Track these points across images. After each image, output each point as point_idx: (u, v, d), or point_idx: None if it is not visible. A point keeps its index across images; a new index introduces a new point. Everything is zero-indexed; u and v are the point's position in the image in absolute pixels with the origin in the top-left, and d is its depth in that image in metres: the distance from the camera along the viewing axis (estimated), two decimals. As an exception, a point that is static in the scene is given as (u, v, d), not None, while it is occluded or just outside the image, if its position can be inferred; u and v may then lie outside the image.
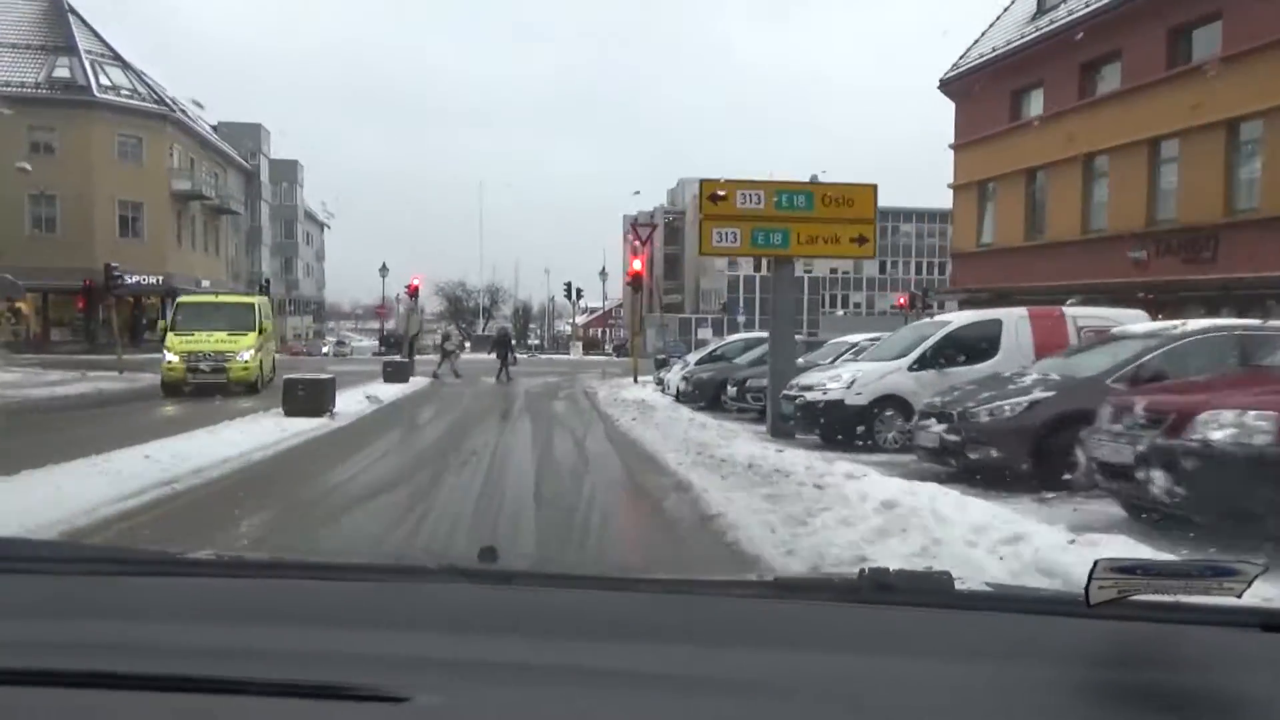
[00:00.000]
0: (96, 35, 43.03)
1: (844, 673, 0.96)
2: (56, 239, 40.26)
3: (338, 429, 13.13)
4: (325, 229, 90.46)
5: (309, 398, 13.73)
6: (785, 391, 11.84)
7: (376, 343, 60.45)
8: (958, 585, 1.27)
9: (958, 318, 11.93)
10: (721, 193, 12.56)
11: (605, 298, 66.67)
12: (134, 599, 1.18)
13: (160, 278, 42.89)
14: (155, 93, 43.57)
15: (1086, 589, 0.99)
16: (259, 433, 11.34)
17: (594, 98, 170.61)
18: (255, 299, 22.42)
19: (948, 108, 31.42)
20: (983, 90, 29.00)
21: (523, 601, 1.20)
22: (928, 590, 1.25)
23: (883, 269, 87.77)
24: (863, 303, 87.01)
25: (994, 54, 28.48)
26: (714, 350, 21.07)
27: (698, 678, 0.94)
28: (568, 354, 52.97)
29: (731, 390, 16.45)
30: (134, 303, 43.11)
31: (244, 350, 19.56)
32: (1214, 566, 1.01)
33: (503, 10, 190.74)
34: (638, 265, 26.40)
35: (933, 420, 8.59)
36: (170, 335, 19.82)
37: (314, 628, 1.05)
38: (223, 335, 19.49)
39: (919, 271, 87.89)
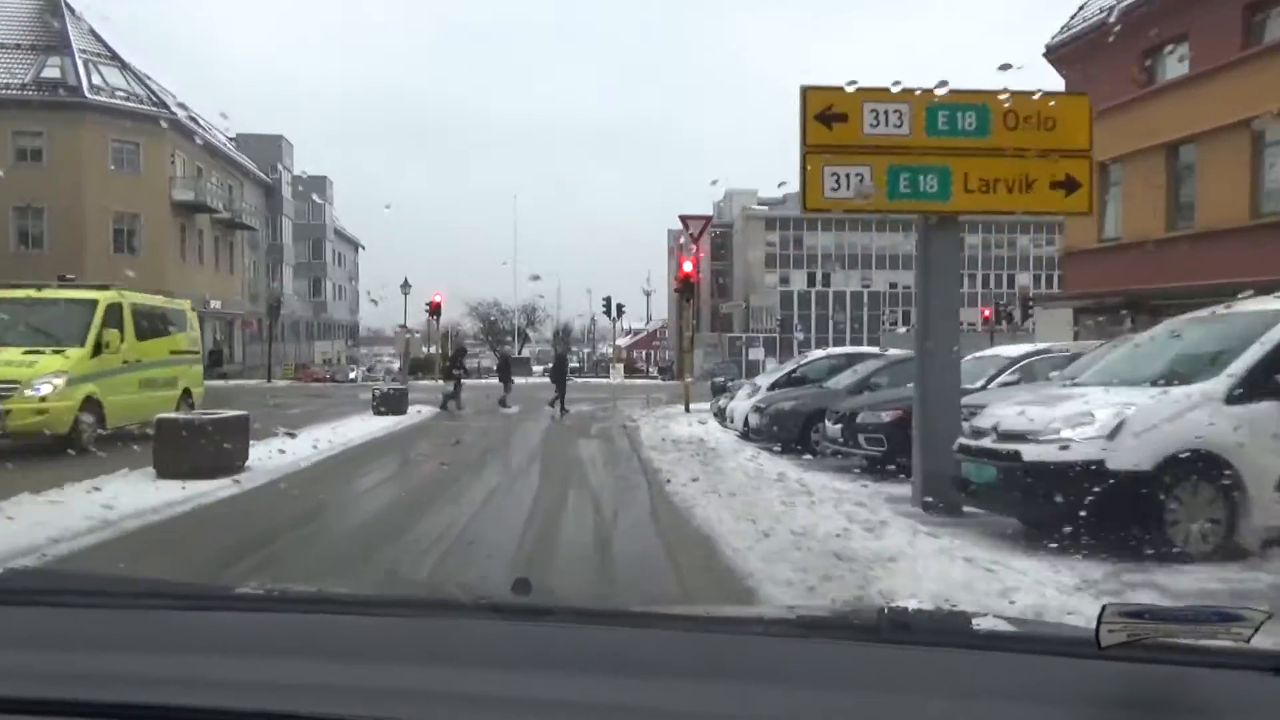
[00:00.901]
0: (94, 34, 39.49)
1: (864, 713, 0.97)
2: (44, 255, 36.45)
3: (218, 503, 8.25)
4: (360, 250, 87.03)
5: (199, 448, 8.98)
6: (964, 440, 6.76)
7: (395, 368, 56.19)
8: (975, 624, 1.29)
9: None
10: (839, 110, 7.58)
11: (649, 318, 61.75)
12: (175, 633, 1.19)
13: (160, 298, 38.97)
14: (155, 95, 39.86)
15: (1096, 632, 1.00)
16: (53, 519, 6.56)
17: (633, 117, 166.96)
18: (103, 295, 13.69)
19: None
20: (1103, 53, 23.68)
21: (555, 637, 1.22)
22: (946, 630, 1.29)
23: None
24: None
25: (1122, 4, 23.18)
26: (792, 371, 16.03)
27: (719, 715, 0.96)
28: (607, 377, 48.03)
29: (832, 428, 11.40)
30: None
31: (42, 379, 11.81)
32: (1220, 612, 1.04)
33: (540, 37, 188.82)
34: (688, 267, 21.52)
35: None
36: None
37: (351, 663, 1.07)
38: (14, 354, 12.07)
39: (987, 285, 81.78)
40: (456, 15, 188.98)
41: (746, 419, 14.79)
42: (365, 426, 15.99)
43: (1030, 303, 30.39)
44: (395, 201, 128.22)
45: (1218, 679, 1.07)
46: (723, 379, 21.34)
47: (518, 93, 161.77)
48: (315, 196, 67.45)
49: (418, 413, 20.10)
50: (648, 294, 51.65)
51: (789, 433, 13.03)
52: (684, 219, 21.60)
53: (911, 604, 1.44)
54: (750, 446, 13.44)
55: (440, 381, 26.13)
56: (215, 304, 45.17)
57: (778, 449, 12.67)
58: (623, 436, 16.33)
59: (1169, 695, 1.02)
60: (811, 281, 77.02)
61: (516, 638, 1.21)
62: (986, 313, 42.22)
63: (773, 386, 15.63)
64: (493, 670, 1.07)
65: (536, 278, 66.26)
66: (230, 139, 55.29)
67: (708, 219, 21.64)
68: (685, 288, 21.66)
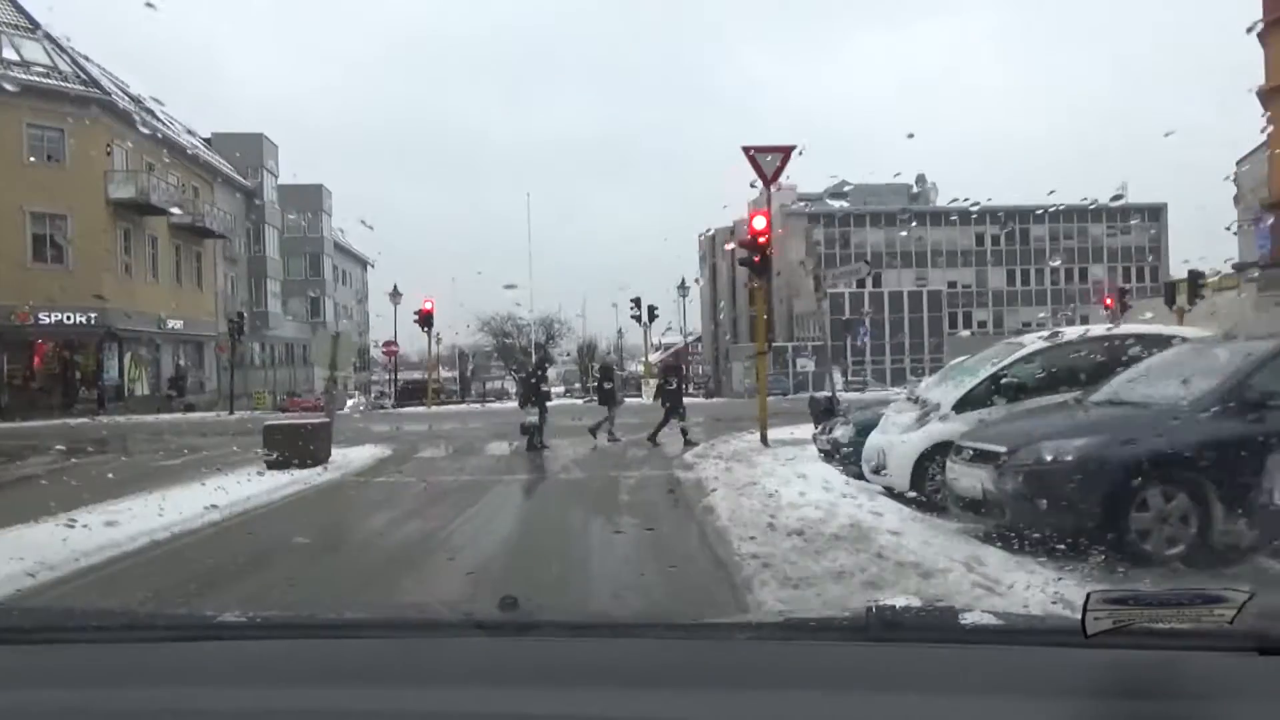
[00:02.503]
0: (13, 3, 33.02)
1: (855, 712, 0.97)
2: (-60, 266, 29.83)
3: None
4: (369, 267, 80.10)
5: None
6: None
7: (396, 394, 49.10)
8: (962, 619, 1.29)
9: None
10: None
11: (684, 327, 53.70)
12: (162, 665, 1.20)
13: (93, 314, 32.14)
14: (86, 74, 33.17)
15: (1082, 620, 1.00)
16: None
17: (647, 127, 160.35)
18: None
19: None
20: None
21: (544, 651, 1.23)
22: (934, 626, 1.27)
23: (1011, 280, 73.71)
24: (989, 320, 72.78)
25: None
26: (998, 375, 8.39)
27: None
28: (638, 395, 40.22)
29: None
30: (59, 349, 32.49)
31: None
32: (1203, 594, 1.04)
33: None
34: (760, 223, 14.08)
35: None
36: None
37: (340, 686, 1.08)
38: None
39: (1057, 281, 73.54)
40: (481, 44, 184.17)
41: (935, 473, 7.31)
42: (237, 492, 8.71)
43: (1200, 285, 22.50)
44: (405, 221, 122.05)
45: (1204, 661, 1.07)
46: (826, 395, 13.79)
47: (527, 111, 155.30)
48: (302, 209, 60.68)
49: (340, 465, 12.72)
50: (683, 294, 43.89)
51: (1086, 515, 5.53)
52: (752, 155, 14.21)
53: (899, 602, 1.30)
54: (966, 542, 6.01)
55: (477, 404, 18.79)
56: (174, 323, 38.35)
57: (1047, 543, 5.23)
58: (683, 512, 8.84)
59: (1157, 679, 1.02)
60: (860, 282, 69.06)
61: (505, 653, 1.21)
62: (1109, 301, 34.31)
63: (963, 403, 8.14)
64: (483, 687, 1.05)
65: (512, 286, 60.03)
66: (205, 140, 48.88)
67: (788, 150, 14.23)
68: (756, 254, 14.23)
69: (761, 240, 14.20)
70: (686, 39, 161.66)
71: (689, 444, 16.53)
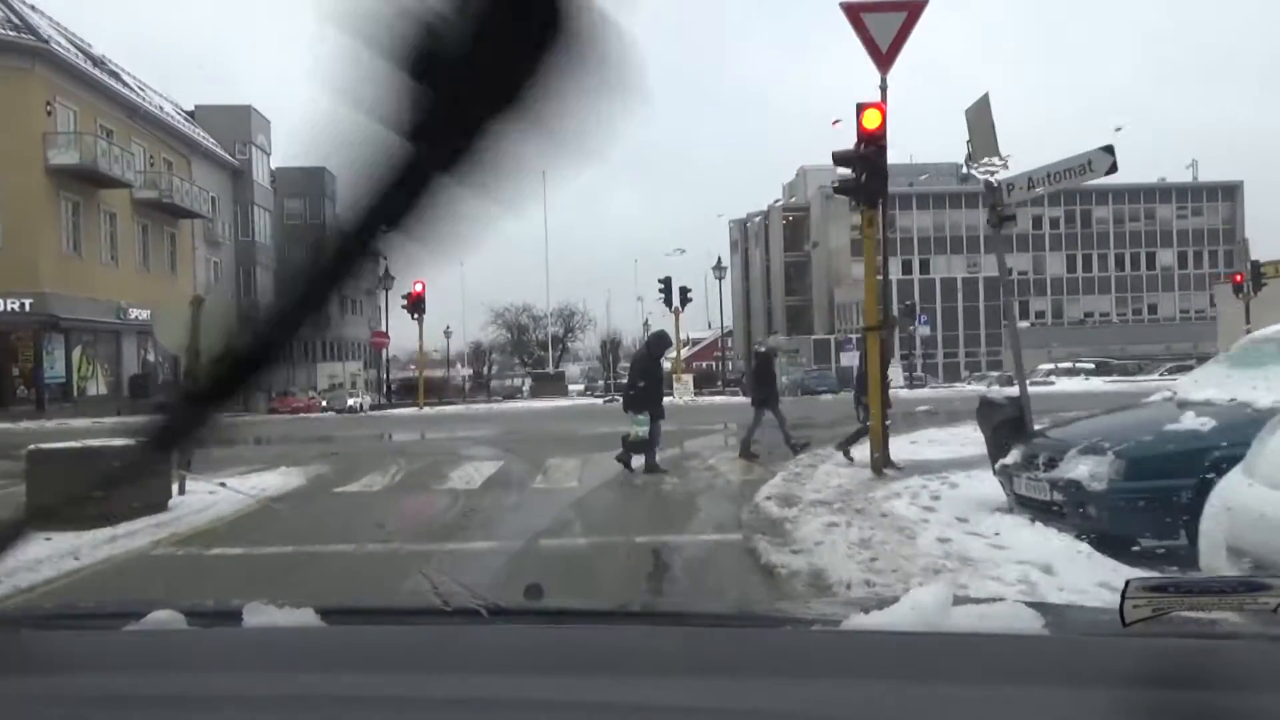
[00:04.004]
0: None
1: (886, 703, 0.95)
2: None
3: None
4: (379, 258, 75.07)
5: None
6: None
7: (362, 392, 44.14)
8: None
9: None
10: None
11: (720, 310, 47.28)
12: (191, 652, 1.20)
13: (28, 301, 27.39)
14: (20, 19, 28.40)
15: (1120, 608, 0.99)
16: None
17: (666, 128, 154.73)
18: None
19: None
20: None
21: (571, 639, 1.21)
22: None
23: (1071, 265, 67.58)
24: (1047, 310, 66.67)
25: None
26: None
27: (743, 710, 0.93)
28: (669, 394, 34.77)
29: None
30: (-12, 342, 27.77)
31: None
32: (1246, 582, 1.02)
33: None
34: (874, 119, 8.74)
35: None
36: None
37: (367, 673, 1.07)
38: None
39: (1122, 267, 67.33)
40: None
41: None
42: None
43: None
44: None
45: (1247, 650, 1.06)
46: (1010, 395, 8.27)
47: None
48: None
49: (185, 514, 7.56)
50: (719, 275, 38.36)
51: None
52: (857, 11, 8.96)
53: (929, 593, 1.24)
54: None
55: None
56: (140, 313, 33.55)
57: None
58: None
59: (1198, 669, 1.00)
60: (908, 269, 63.38)
61: (530, 641, 1.20)
62: (1239, 277, 28.62)
63: None
64: (507, 674, 1.05)
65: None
66: (189, 113, 44.24)
67: (914, 5, 8.92)
68: (864, 173, 8.97)
69: (872, 146, 8.92)
70: (692, 28, 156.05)
71: (750, 456, 11.38)
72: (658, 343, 11.80)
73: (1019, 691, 0.95)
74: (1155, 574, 1.08)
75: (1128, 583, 0.99)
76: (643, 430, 10.36)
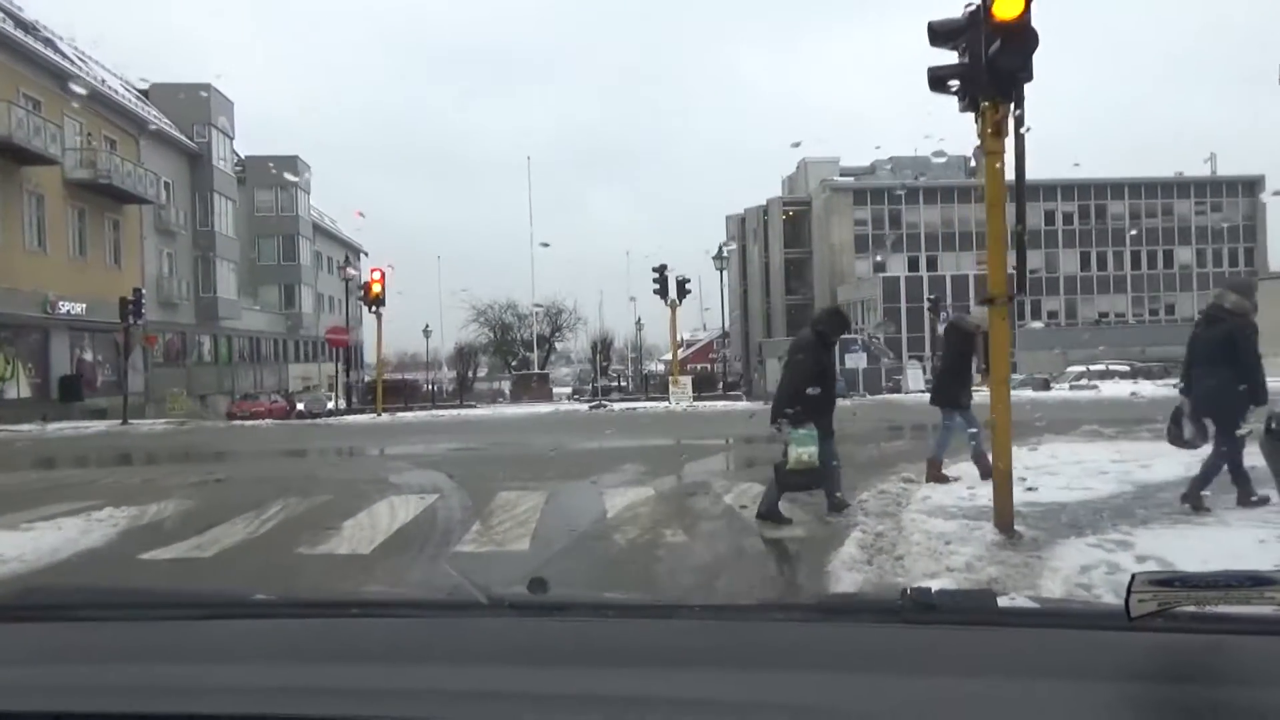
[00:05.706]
0: None
1: (889, 694, 0.94)
2: None
3: None
4: (362, 256, 71.31)
5: None
6: None
7: (337, 396, 40.45)
8: (1000, 602, 1.25)
9: None
10: None
11: (723, 305, 43.38)
12: (198, 642, 1.19)
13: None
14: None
15: (1126, 602, 0.97)
16: None
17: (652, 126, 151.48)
18: None
19: None
20: None
21: (576, 632, 1.20)
22: (970, 609, 1.23)
23: (1085, 263, 64.30)
24: (1060, 309, 63.39)
25: None
26: None
27: (746, 703, 0.93)
28: (664, 399, 31.29)
29: None
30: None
31: None
32: (1253, 576, 0.99)
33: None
34: (1009, 5, 5.34)
35: None
36: None
37: (374, 665, 1.06)
38: None
39: (1138, 265, 64.12)
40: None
41: None
42: None
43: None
44: (408, 225, 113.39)
45: (1253, 645, 1.04)
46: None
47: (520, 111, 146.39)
48: (284, 177, 52.25)
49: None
50: (722, 264, 34.75)
51: None
52: None
53: (934, 584, 1.33)
54: None
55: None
56: (73, 307, 29.93)
57: None
58: None
59: (1204, 664, 0.99)
60: (914, 265, 60.09)
61: (537, 634, 1.18)
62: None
63: None
64: (515, 667, 1.04)
65: (545, 245, 51.35)
66: (142, 92, 40.58)
67: None
68: (1007, 59, 5.50)
69: (1012, 30, 5.50)
70: (692, 23, 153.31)
71: (941, 479, 8.12)
72: (831, 323, 7.66)
73: (1019, 684, 0.93)
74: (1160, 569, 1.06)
75: (1133, 577, 0.96)
76: (808, 450, 6.89)
